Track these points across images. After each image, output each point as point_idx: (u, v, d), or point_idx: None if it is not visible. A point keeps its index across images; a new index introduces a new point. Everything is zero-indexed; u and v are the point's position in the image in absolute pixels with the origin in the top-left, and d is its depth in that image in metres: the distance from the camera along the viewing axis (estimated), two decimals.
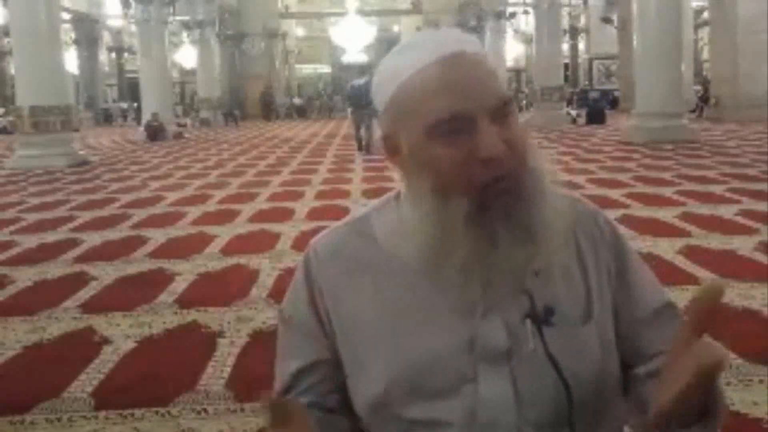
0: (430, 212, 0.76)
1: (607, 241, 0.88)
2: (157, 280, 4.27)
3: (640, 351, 0.87)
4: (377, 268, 0.84)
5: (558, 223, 0.78)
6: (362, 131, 12.57)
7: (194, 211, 6.82)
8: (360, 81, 13.35)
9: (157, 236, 5.63)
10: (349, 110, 14.23)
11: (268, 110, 28.76)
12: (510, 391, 0.78)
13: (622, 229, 0.96)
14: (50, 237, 5.79)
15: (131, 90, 29.79)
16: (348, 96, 14.11)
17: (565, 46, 27.99)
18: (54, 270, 4.64)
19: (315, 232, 5.80)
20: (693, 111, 18.56)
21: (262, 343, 3.14)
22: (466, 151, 0.74)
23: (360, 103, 12.73)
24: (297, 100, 32.12)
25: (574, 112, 19.70)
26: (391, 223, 0.85)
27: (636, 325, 0.87)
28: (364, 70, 17.30)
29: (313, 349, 0.86)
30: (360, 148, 12.50)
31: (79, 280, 4.35)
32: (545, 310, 0.78)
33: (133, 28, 22.51)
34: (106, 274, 4.46)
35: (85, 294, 4.02)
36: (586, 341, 0.81)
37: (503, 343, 0.78)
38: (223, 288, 4.06)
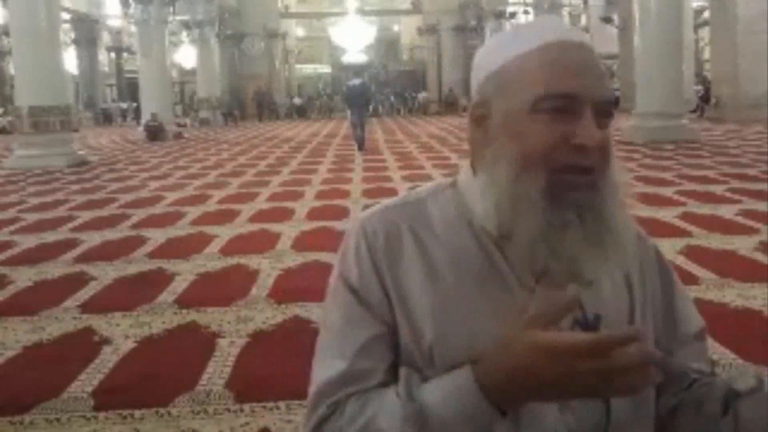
0: (507, 178, 0.76)
1: (651, 258, 0.90)
2: (157, 280, 4.27)
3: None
4: (431, 254, 0.83)
5: (627, 234, 0.79)
6: (358, 130, 13.07)
7: (194, 211, 6.82)
8: (356, 81, 14.11)
9: (157, 236, 5.63)
10: (348, 112, 14.62)
11: (261, 110, 28.85)
12: None
13: None
14: (50, 237, 5.79)
15: (131, 90, 29.82)
16: (346, 97, 14.55)
17: None
18: (54, 270, 4.64)
19: (315, 232, 5.82)
20: (693, 111, 18.56)
21: (262, 343, 3.14)
22: (561, 133, 0.74)
23: (358, 103, 13.35)
24: (297, 100, 32.12)
25: None
26: (448, 209, 0.85)
27: (678, 344, 0.88)
28: (358, 71, 18.33)
29: (381, 320, 0.83)
30: (360, 148, 12.87)
31: (79, 280, 4.35)
32: (594, 318, 0.78)
33: (133, 28, 22.53)
34: (106, 274, 4.46)
35: (85, 294, 4.02)
36: None
37: None
38: (223, 288, 4.06)
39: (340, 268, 0.87)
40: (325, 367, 0.82)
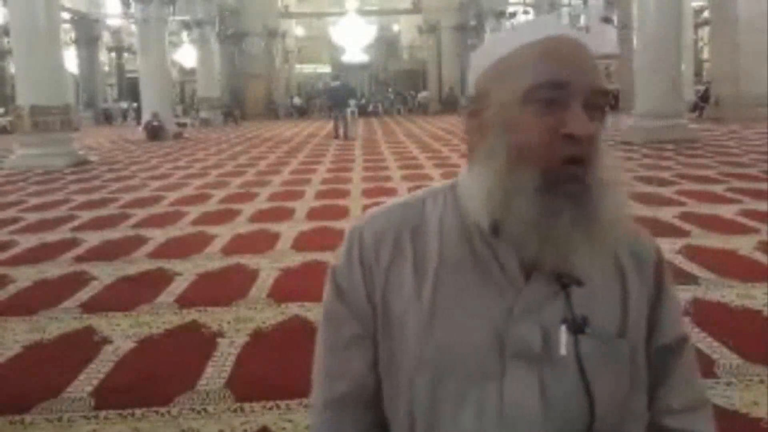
0: (501, 170, 0.77)
1: (651, 260, 0.89)
2: (157, 280, 4.27)
3: (657, 379, 0.89)
4: (420, 255, 0.85)
5: (614, 230, 0.79)
6: (339, 124, 16.25)
7: (194, 211, 6.82)
8: (337, 83, 18.19)
9: (157, 236, 5.63)
10: (327, 107, 19.04)
11: (270, 110, 29.50)
12: (537, 394, 0.79)
13: None
14: (50, 237, 5.79)
15: (131, 89, 29.79)
16: (329, 96, 18.51)
17: None
18: (54, 270, 4.64)
19: (315, 232, 5.84)
20: (693, 110, 18.54)
21: (262, 343, 3.14)
22: (552, 123, 0.75)
23: (340, 102, 16.73)
24: (297, 100, 32.13)
25: None
26: (444, 211, 0.87)
27: (653, 353, 0.89)
28: (337, 74, 22.40)
29: (362, 322, 0.87)
30: (336, 137, 16.12)
31: (79, 279, 4.35)
32: (582, 319, 0.79)
33: (133, 27, 22.51)
34: (106, 274, 4.45)
35: (85, 294, 4.02)
36: (618, 357, 0.83)
37: (537, 346, 0.79)
38: (223, 288, 4.06)
39: (333, 266, 0.91)
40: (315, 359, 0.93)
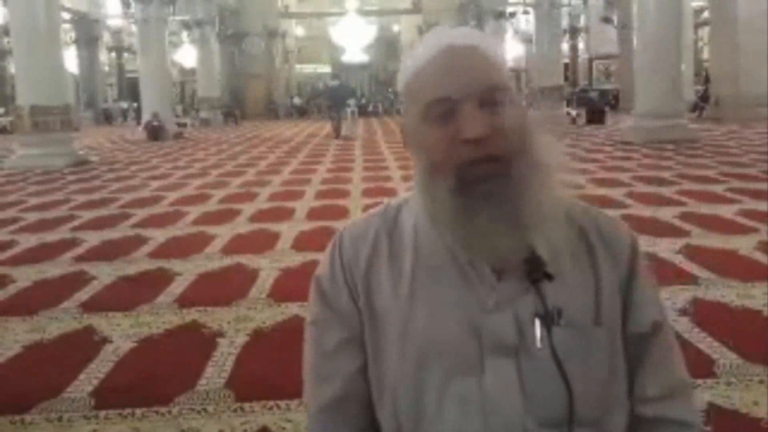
0: (423, 183, 0.85)
1: (626, 260, 0.91)
2: (157, 280, 4.27)
3: (633, 366, 0.90)
4: (397, 256, 0.89)
5: (551, 213, 0.81)
6: (336, 123, 16.80)
7: (194, 211, 6.82)
8: (335, 83, 18.52)
9: (157, 236, 5.63)
10: (327, 107, 19.19)
11: (270, 110, 29.69)
12: (516, 387, 0.81)
13: None
14: (50, 237, 5.79)
15: (131, 89, 29.78)
16: (328, 96, 18.96)
17: (565, 46, 27.99)
18: (54, 270, 4.64)
19: (315, 232, 5.83)
20: (693, 111, 18.53)
21: (262, 343, 3.14)
22: (451, 133, 0.80)
23: (337, 101, 17.37)
24: (297, 100, 32.14)
25: (574, 112, 19.68)
26: (418, 215, 0.91)
27: (631, 339, 0.90)
28: (336, 73, 22.71)
29: (348, 325, 0.91)
30: (336, 136, 16.31)
31: (79, 279, 4.35)
32: (555, 311, 0.81)
33: (133, 27, 22.52)
34: (106, 273, 4.46)
35: (84, 294, 4.02)
36: (594, 346, 0.84)
37: (512, 339, 0.82)
38: (223, 288, 4.06)
39: (317, 273, 0.95)
40: (304, 362, 0.96)
